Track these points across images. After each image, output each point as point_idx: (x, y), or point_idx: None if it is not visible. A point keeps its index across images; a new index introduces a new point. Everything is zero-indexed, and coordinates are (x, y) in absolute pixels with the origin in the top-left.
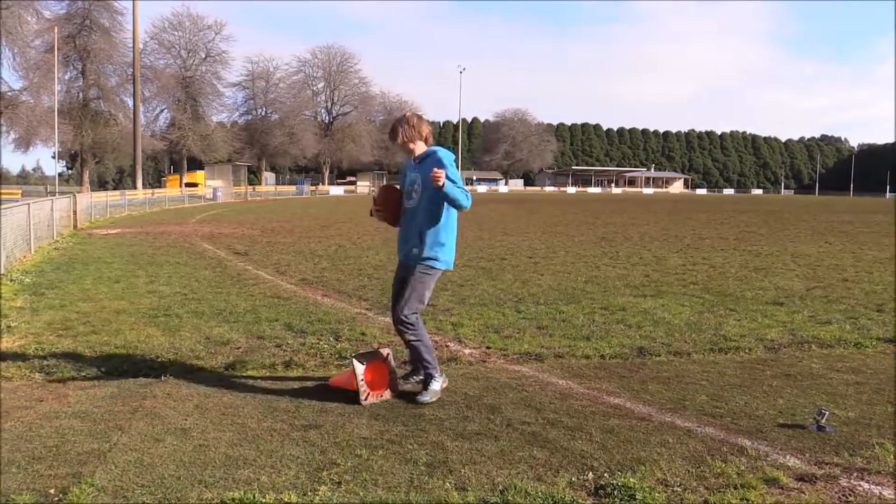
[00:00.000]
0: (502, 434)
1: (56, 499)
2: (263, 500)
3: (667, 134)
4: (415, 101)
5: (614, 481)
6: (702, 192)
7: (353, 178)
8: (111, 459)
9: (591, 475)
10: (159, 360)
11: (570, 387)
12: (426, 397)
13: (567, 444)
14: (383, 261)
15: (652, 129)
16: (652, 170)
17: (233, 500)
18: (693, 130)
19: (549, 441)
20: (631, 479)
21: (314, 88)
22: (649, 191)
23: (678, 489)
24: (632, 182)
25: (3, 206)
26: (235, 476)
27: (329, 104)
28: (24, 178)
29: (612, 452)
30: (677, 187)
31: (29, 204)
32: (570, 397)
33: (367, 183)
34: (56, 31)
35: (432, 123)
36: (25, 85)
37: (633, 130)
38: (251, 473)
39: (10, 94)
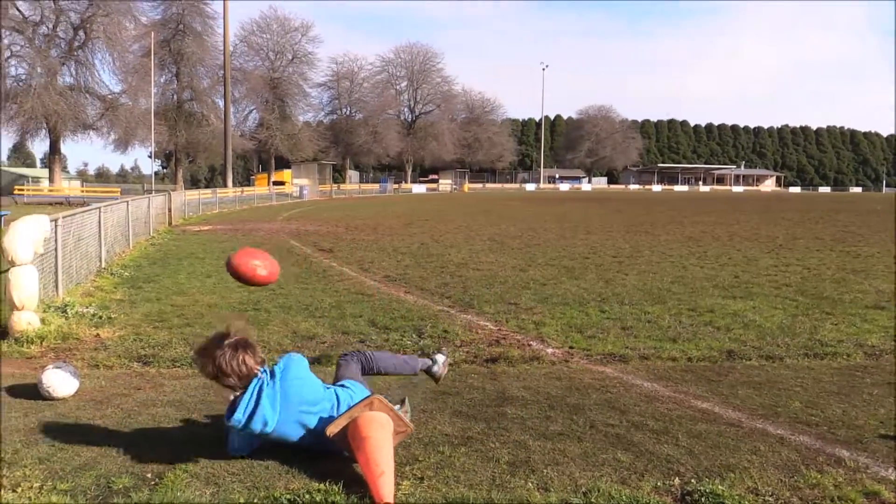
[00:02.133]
0: (585, 435)
1: (153, 483)
2: (345, 494)
3: (758, 129)
4: (496, 99)
5: (702, 488)
6: (795, 190)
7: (435, 176)
8: (203, 447)
9: (677, 481)
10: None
11: (655, 389)
12: (438, 369)
13: (652, 447)
14: (465, 259)
15: (742, 125)
16: (742, 167)
17: (318, 490)
18: (787, 126)
19: (633, 444)
20: (719, 487)
21: (397, 87)
22: (739, 189)
23: (770, 499)
24: (720, 180)
25: (103, 205)
26: (320, 469)
27: (412, 103)
28: (122, 177)
29: (700, 458)
30: (769, 185)
31: (128, 202)
32: (655, 400)
33: (449, 181)
34: (153, 35)
35: (514, 122)
36: (124, 88)
37: (721, 126)
38: (334, 466)
39: (110, 96)
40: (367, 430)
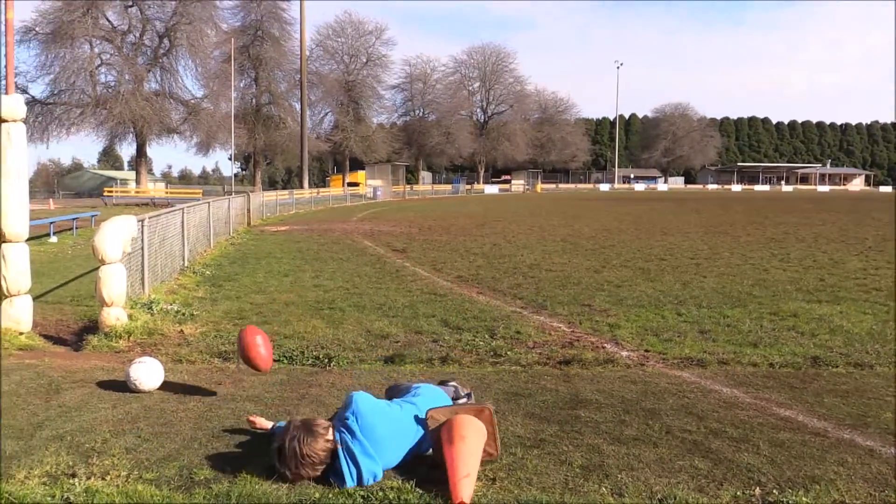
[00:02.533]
0: (661, 441)
1: (232, 475)
2: (419, 491)
3: (846, 126)
4: (570, 98)
5: (784, 499)
6: (887, 189)
7: (507, 177)
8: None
9: (758, 490)
10: (324, 350)
11: (735, 395)
12: None
13: (732, 455)
14: (538, 259)
15: (829, 122)
16: (828, 165)
17: (392, 487)
18: (876, 122)
19: (711, 451)
20: (803, 498)
21: (470, 88)
22: (824, 188)
23: None
24: (804, 179)
25: (186, 206)
26: (393, 468)
27: (484, 103)
28: (204, 178)
29: (782, 468)
30: (857, 184)
31: (209, 203)
32: (735, 406)
33: (522, 181)
34: (233, 42)
35: (588, 121)
36: (206, 93)
37: (806, 123)
38: (407, 465)
39: (192, 101)
40: (467, 430)
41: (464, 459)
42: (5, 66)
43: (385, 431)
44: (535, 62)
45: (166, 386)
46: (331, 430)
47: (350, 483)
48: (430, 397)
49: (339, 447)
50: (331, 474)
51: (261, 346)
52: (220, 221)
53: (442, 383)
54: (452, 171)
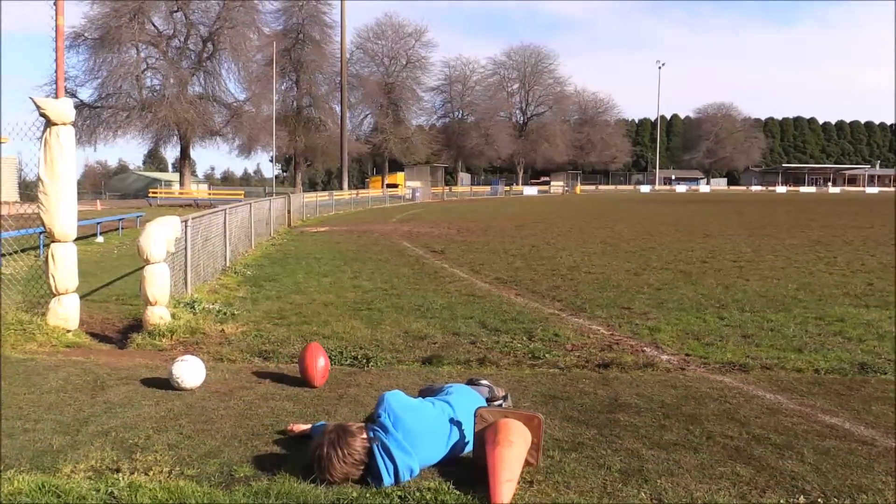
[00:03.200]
0: (702, 446)
1: (271, 473)
2: (457, 493)
3: None
4: (610, 99)
5: None
6: None
7: (546, 178)
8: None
9: (802, 499)
10: (363, 350)
11: (778, 401)
12: None
13: (775, 462)
14: (577, 262)
15: (878, 122)
16: (877, 167)
17: (429, 489)
18: None
19: (754, 458)
20: None
21: (509, 90)
22: (873, 190)
23: None
24: (852, 180)
25: (228, 207)
26: (430, 467)
27: (524, 105)
28: (246, 180)
29: (828, 476)
30: None
31: (251, 204)
32: (778, 413)
33: (561, 183)
34: (275, 45)
35: (628, 122)
36: (248, 96)
37: (854, 123)
38: (444, 466)
39: (235, 104)
40: (515, 435)
41: (509, 463)
42: (56, 71)
43: (418, 426)
44: (575, 62)
45: (208, 384)
46: (364, 429)
47: (388, 480)
48: (462, 396)
49: (375, 444)
50: (369, 476)
51: (319, 368)
52: (261, 222)
53: (471, 382)
54: (491, 172)
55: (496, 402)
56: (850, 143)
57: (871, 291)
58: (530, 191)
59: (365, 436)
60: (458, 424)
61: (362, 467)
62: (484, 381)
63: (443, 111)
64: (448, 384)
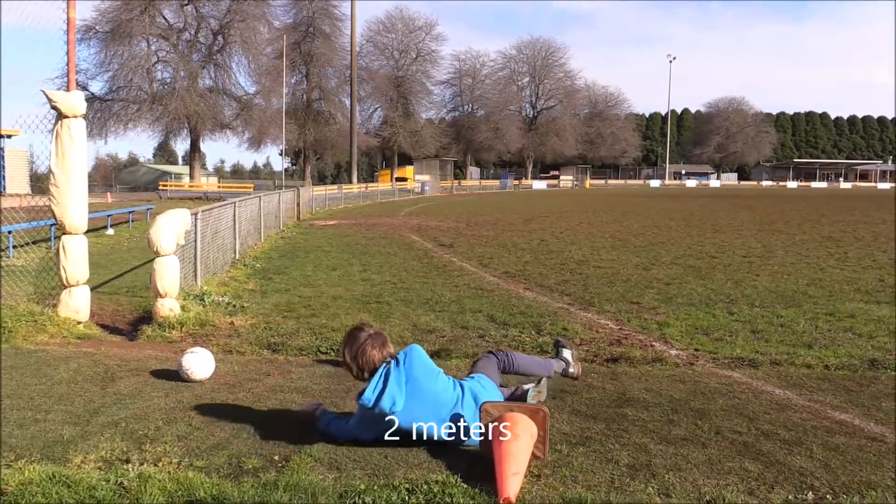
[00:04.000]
0: (710, 442)
1: (279, 465)
2: (464, 486)
3: None
4: (620, 93)
5: None
6: None
7: (556, 173)
8: None
9: (811, 495)
10: None
11: (787, 397)
12: (573, 370)
13: (783, 458)
14: (586, 256)
15: (891, 117)
16: (889, 162)
17: (437, 481)
18: None
19: (762, 453)
20: None
21: (519, 83)
22: (886, 185)
23: None
24: (864, 176)
25: (238, 200)
26: (439, 460)
27: (533, 98)
28: (255, 173)
29: (837, 473)
30: None
31: (260, 197)
32: (787, 409)
33: (571, 177)
34: (285, 39)
35: (638, 116)
36: (258, 89)
37: (867, 119)
38: (453, 459)
39: (245, 97)
40: (521, 429)
41: (515, 457)
42: (67, 64)
43: (422, 381)
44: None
45: (217, 376)
46: (391, 353)
47: (368, 398)
48: (481, 387)
49: (383, 365)
50: (358, 394)
51: None
52: (271, 215)
53: (558, 344)
54: (500, 166)
55: (526, 387)
56: (863, 138)
57: (882, 287)
58: (540, 185)
59: (388, 352)
60: (460, 410)
61: (367, 373)
62: (565, 353)
63: (452, 105)
64: (480, 374)
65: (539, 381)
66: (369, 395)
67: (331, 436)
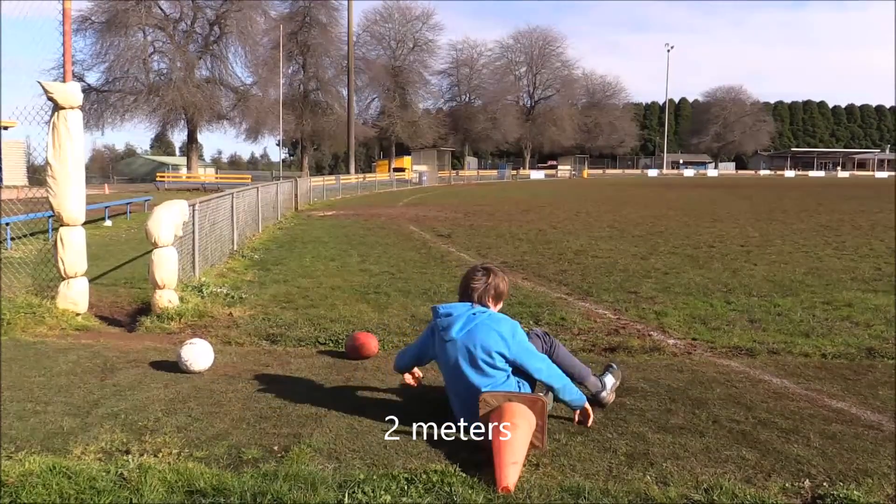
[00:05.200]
0: (708, 430)
1: (279, 455)
2: (463, 475)
3: None
4: (618, 83)
5: (835, 492)
6: None
7: (554, 163)
8: (326, 424)
9: (807, 483)
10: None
11: (785, 386)
12: (605, 395)
13: (781, 446)
14: (584, 245)
15: (889, 106)
16: (887, 151)
17: (435, 471)
18: None
19: (760, 442)
20: (855, 492)
21: (516, 73)
22: (883, 174)
23: None
24: (861, 165)
25: (236, 191)
26: (438, 450)
27: (531, 88)
28: (253, 164)
29: (834, 461)
30: None
31: (258, 188)
32: (784, 397)
33: (568, 167)
34: (281, 29)
35: (636, 106)
36: (255, 80)
37: (865, 107)
38: (452, 449)
39: (242, 88)
40: (520, 419)
41: (514, 447)
42: (63, 55)
43: (483, 336)
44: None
45: (216, 367)
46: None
47: (442, 309)
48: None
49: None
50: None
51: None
52: (269, 206)
53: (608, 368)
54: (498, 156)
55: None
56: (861, 127)
57: (879, 276)
58: (537, 175)
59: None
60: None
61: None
62: (609, 379)
63: (450, 95)
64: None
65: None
66: (443, 310)
67: None
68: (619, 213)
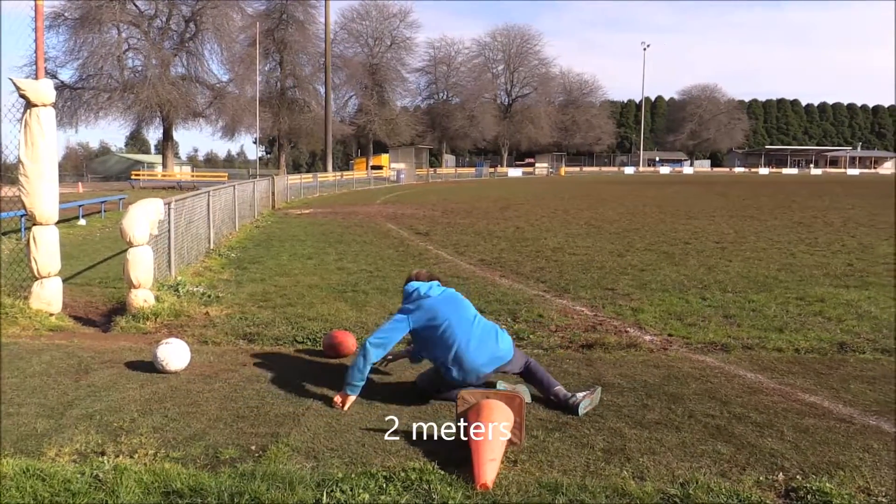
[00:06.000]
0: (684, 425)
1: (257, 455)
2: (441, 473)
3: (877, 109)
4: (595, 80)
5: (808, 485)
6: None
7: (531, 160)
8: (304, 423)
9: (781, 476)
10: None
11: (759, 380)
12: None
13: (755, 440)
14: (561, 243)
15: (860, 104)
16: (858, 148)
17: (414, 469)
18: None
19: (734, 436)
20: (827, 485)
21: (494, 71)
22: (854, 172)
23: (883, 500)
24: (834, 162)
25: (212, 189)
26: (416, 447)
27: (508, 86)
28: (229, 162)
29: (806, 454)
30: (889, 168)
31: (234, 186)
32: (759, 392)
33: (546, 165)
34: (258, 26)
35: (613, 103)
36: (231, 77)
37: (837, 106)
38: (430, 446)
39: (218, 85)
40: (497, 417)
41: (492, 444)
42: (35, 52)
43: (465, 304)
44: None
45: (192, 367)
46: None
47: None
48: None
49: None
50: None
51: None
52: (245, 204)
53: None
54: (476, 154)
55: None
56: (833, 124)
57: (850, 272)
58: (515, 172)
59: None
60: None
61: None
62: (586, 399)
63: (427, 92)
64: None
65: (594, 391)
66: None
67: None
68: (595, 211)
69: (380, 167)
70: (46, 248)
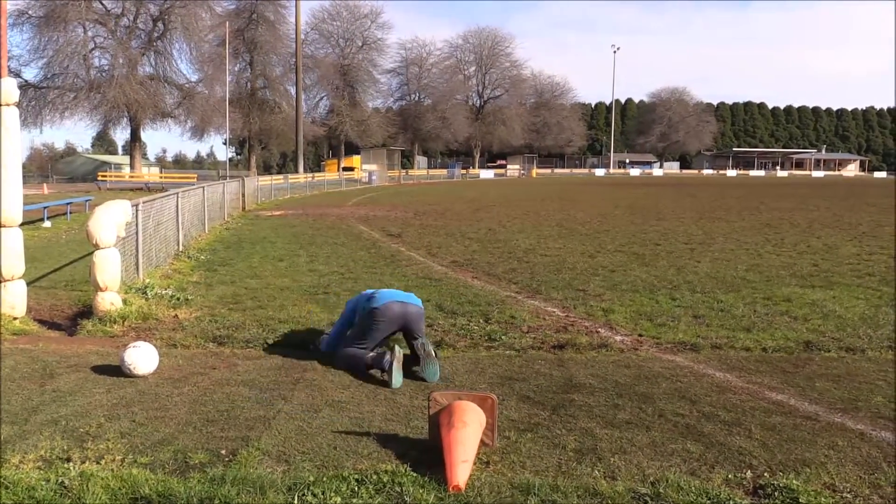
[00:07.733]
0: (654, 425)
1: (227, 459)
2: (414, 475)
3: (841, 112)
4: (566, 83)
5: (775, 482)
6: (881, 175)
7: (503, 162)
8: (275, 426)
9: (749, 473)
10: (320, 334)
11: (727, 379)
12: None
13: (724, 439)
14: (533, 244)
15: (824, 107)
16: (823, 151)
17: (386, 471)
18: (872, 108)
19: (704, 435)
20: (794, 481)
21: (466, 73)
22: (819, 174)
23: (848, 496)
24: (799, 164)
25: (181, 190)
26: (388, 449)
27: (480, 88)
28: (199, 163)
29: (774, 451)
30: (852, 170)
31: (204, 188)
32: (727, 391)
33: (517, 166)
34: (227, 25)
35: (584, 106)
36: (200, 77)
37: (802, 109)
38: (402, 448)
39: (187, 85)
40: (470, 417)
41: (465, 445)
42: None
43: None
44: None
45: (161, 371)
46: None
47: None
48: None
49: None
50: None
51: None
52: (215, 206)
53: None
54: (448, 155)
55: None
56: (798, 127)
57: (816, 272)
58: (487, 174)
59: None
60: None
61: None
62: (389, 359)
63: (399, 93)
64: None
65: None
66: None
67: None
68: (567, 212)
69: (351, 168)
70: (10, 250)
